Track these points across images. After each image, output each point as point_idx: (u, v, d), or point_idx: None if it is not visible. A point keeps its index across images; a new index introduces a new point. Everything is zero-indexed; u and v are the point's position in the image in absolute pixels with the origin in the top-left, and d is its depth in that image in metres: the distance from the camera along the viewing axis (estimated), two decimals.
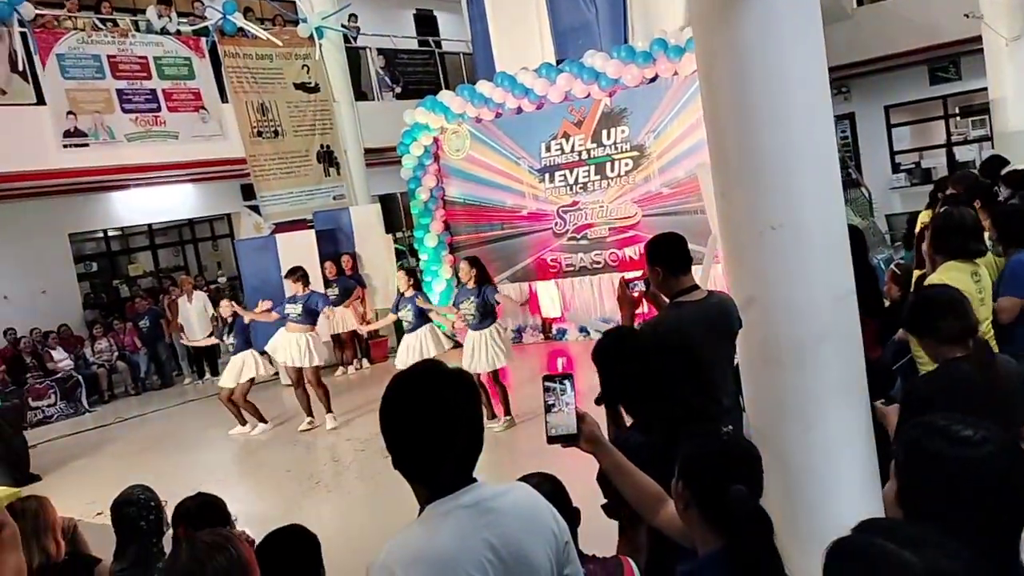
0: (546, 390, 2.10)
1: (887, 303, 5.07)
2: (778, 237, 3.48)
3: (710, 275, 8.57)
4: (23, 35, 10.68)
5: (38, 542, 3.34)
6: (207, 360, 13.15)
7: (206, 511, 2.96)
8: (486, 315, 7.78)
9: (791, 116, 3.45)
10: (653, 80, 10.41)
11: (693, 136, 10.03)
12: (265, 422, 9.37)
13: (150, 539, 3.33)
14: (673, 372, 2.66)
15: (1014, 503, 1.48)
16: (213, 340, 10.51)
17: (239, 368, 9.12)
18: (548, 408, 2.09)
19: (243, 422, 9.37)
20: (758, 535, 1.83)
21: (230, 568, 1.80)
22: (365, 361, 12.21)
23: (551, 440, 2.12)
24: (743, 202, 3.62)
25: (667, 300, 3.75)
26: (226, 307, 9.38)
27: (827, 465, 3.59)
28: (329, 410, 9.00)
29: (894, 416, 3.20)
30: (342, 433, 8.75)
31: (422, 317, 8.52)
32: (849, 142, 16.30)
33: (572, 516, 2.39)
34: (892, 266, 5.50)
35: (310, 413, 8.99)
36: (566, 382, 2.10)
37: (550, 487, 2.28)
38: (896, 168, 16.36)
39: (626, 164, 10.97)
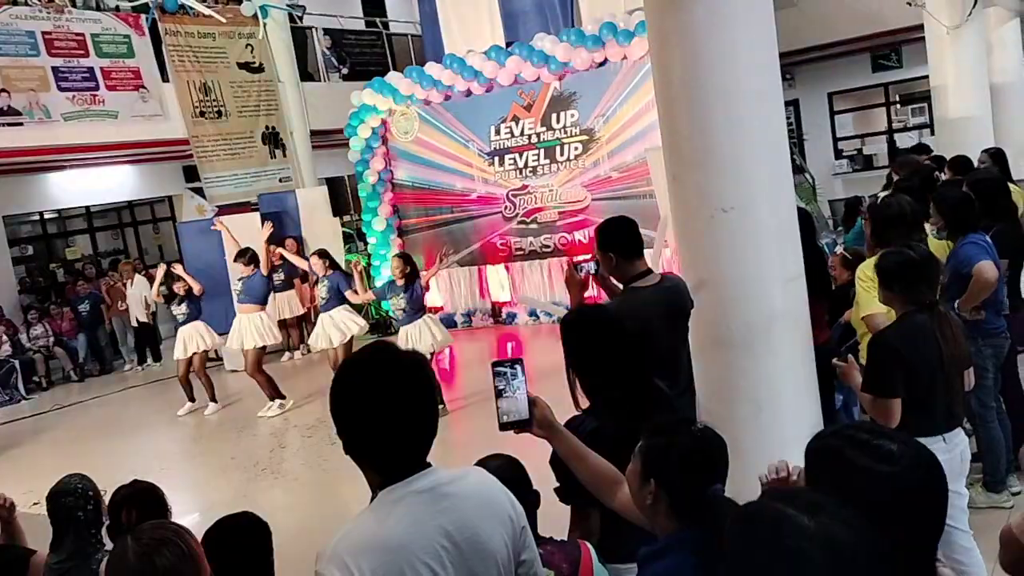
0: (496, 375, 2.05)
1: (834, 286, 5.14)
2: (729, 220, 3.51)
3: (660, 260, 8.61)
4: None
5: None
6: (149, 345, 12.85)
7: (142, 498, 2.87)
8: (416, 310, 7.84)
9: (742, 99, 3.47)
10: (602, 64, 10.40)
11: (642, 120, 10.06)
12: (215, 402, 9.30)
13: (88, 530, 3.22)
14: (630, 357, 2.63)
15: (931, 518, 1.51)
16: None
17: (190, 339, 9.05)
18: (499, 394, 2.05)
19: (192, 399, 9.32)
20: (724, 524, 1.82)
21: (180, 564, 1.73)
22: (313, 345, 12.04)
23: (503, 427, 2.07)
24: (695, 184, 3.64)
25: (618, 284, 3.73)
26: (180, 286, 9.22)
27: (779, 447, 3.62)
28: (278, 396, 8.87)
29: (856, 372, 3.25)
30: (288, 419, 8.63)
31: (417, 307, 8.12)
32: (793, 128, 16.55)
33: (533, 499, 2.37)
34: (842, 250, 5.57)
35: (276, 396, 8.86)
36: (516, 367, 2.06)
37: (511, 470, 2.25)
38: (839, 154, 16.66)
39: (575, 148, 10.97)
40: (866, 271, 3.82)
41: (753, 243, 3.55)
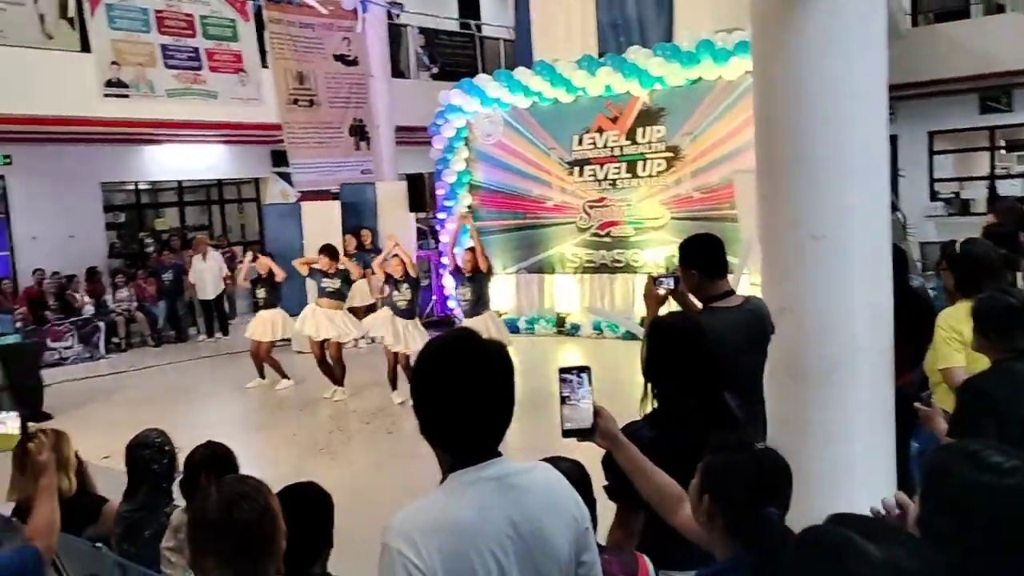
0: (562, 382, 2.05)
1: None
2: (819, 248, 3.46)
3: (739, 286, 8.50)
4: None
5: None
6: (219, 319, 13.21)
7: (218, 461, 2.97)
8: (480, 303, 7.98)
9: (847, 125, 3.42)
10: (696, 82, 10.34)
11: (732, 142, 9.96)
12: (288, 379, 9.49)
13: (160, 483, 3.35)
14: (707, 370, 2.61)
15: None
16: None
17: (272, 324, 9.27)
18: (563, 400, 2.05)
19: (263, 376, 9.55)
20: (783, 553, 1.80)
21: (259, 517, 1.79)
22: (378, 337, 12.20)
23: (566, 433, 2.07)
24: (787, 209, 3.60)
25: (697, 303, 3.69)
26: (262, 266, 9.46)
27: (846, 482, 3.56)
28: (340, 384, 9.02)
29: (939, 418, 3.13)
30: (348, 404, 8.77)
31: (482, 300, 8.30)
32: (889, 164, 16.11)
33: (592, 505, 2.37)
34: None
35: (338, 383, 9.00)
36: (583, 375, 2.05)
37: (577, 474, 2.25)
38: (934, 196, 16.09)
39: (659, 164, 10.91)
40: (948, 320, 3.68)
41: (842, 273, 3.49)
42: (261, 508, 1.81)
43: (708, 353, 2.63)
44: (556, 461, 2.04)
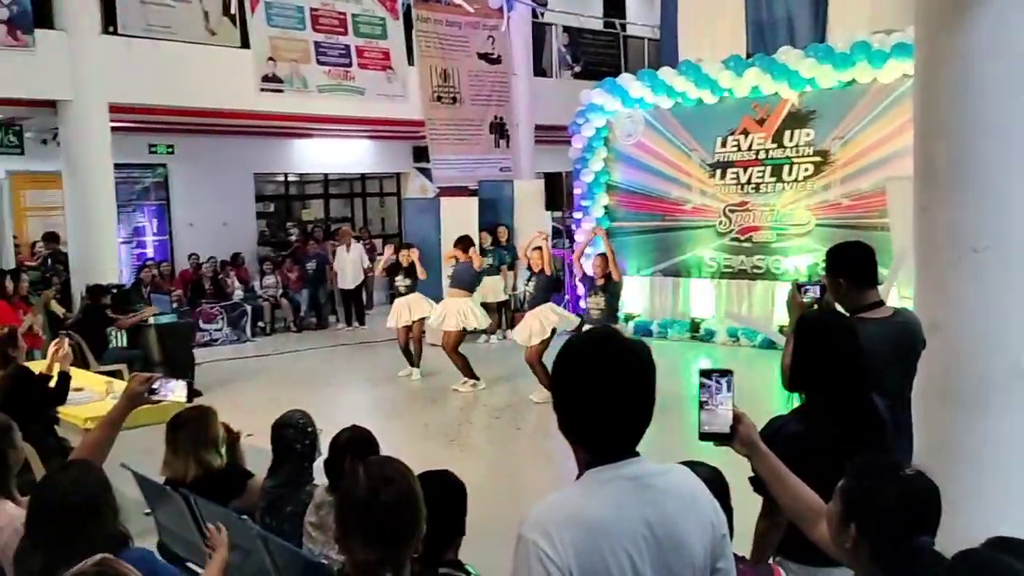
0: (701, 386, 2.02)
1: None
2: (980, 260, 3.26)
3: (889, 298, 8.10)
4: None
5: (196, 455, 3.57)
6: (356, 309, 13.67)
7: (360, 445, 3.07)
8: (611, 313, 8.02)
9: (1013, 132, 3.20)
10: (849, 84, 9.92)
11: (885, 147, 9.51)
12: (416, 366, 9.75)
13: (302, 462, 3.50)
14: (857, 368, 2.54)
15: None
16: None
17: (408, 306, 9.54)
18: (702, 405, 2.02)
19: (413, 364, 9.78)
20: None
21: (403, 499, 1.85)
22: (509, 332, 12.35)
23: (702, 437, 2.05)
24: (946, 219, 3.40)
25: (844, 313, 3.54)
26: (405, 256, 9.71)
27: (997, 513, 3.34)
28: (473, 376, 9.15)
29: None
30: (480, 398, 8.90)
31: (613, 310, 8.32)
32: None
33: (728, 513, 2.32)
34: None
35: (469, 375, 9.16)
36: (723, 380, 2.01)
37: (714, 479, 2.21)
38: None
39: (806, 169, 10.53)
40: None
41: (1002, 289, 3.27)
42: (406, 491, 1.87)
43: (858, 352, 2.57)
44: (694, 466, 2.01)
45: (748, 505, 2.53)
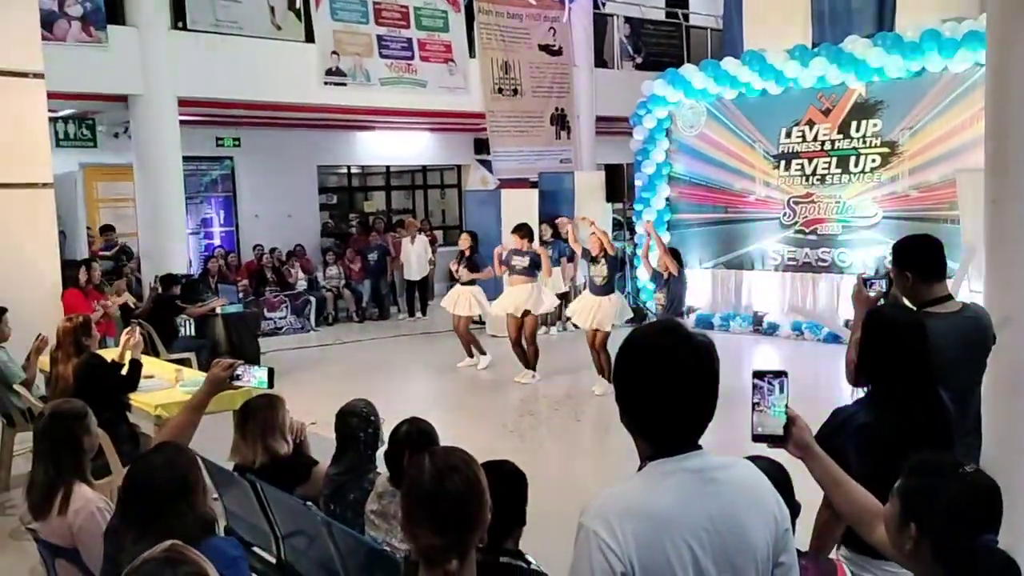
0: (754, 388, 2.00)
1: None
2: None
3: (959, 293, 7.90)
4: None
5: (264, 443, 3.67)
6: (420, 299, 13.81)
7: (420, 438, 3.11)
8: (674, 310, 7.92)
9: None
10: (918, 74, 9.66)
11: (955, 139, 9.25)
12: (484, 353, 9.79)
13: (366, 450, 3.56)
14: (924, 361, 2.52)
15: None
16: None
17: (469, 299, 9.60)
18: (754, 407, 2.00)
19: (471, 354, 9.85)
20: None
21: (468, 489, 1.88)
22: (570, 324, 12.34)
23: (756, 438, 2.03)
24: (1017, 212, 3.31)
25: (912, 308, 3.47)
26: (465, 240, 9.77)
27: None
28: (532, 368, 9.18)
29: None
30: (539, 389, 8.93)
31: (676, 306, 8.22)
32: None
33: (793, 508, 2.30)
34: None
35: (529, 367, 9.17)
36: (775, 382, 1.98)
37: (777, 474, 2.20)
38: None
39: (873, 160, 10.29)
40: None
41: None
42: (471, 480, 1.89)
43: (926, 349, 2.56)
44: (757, 460, 2.01)
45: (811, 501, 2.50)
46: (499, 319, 10.10)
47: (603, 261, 8.40)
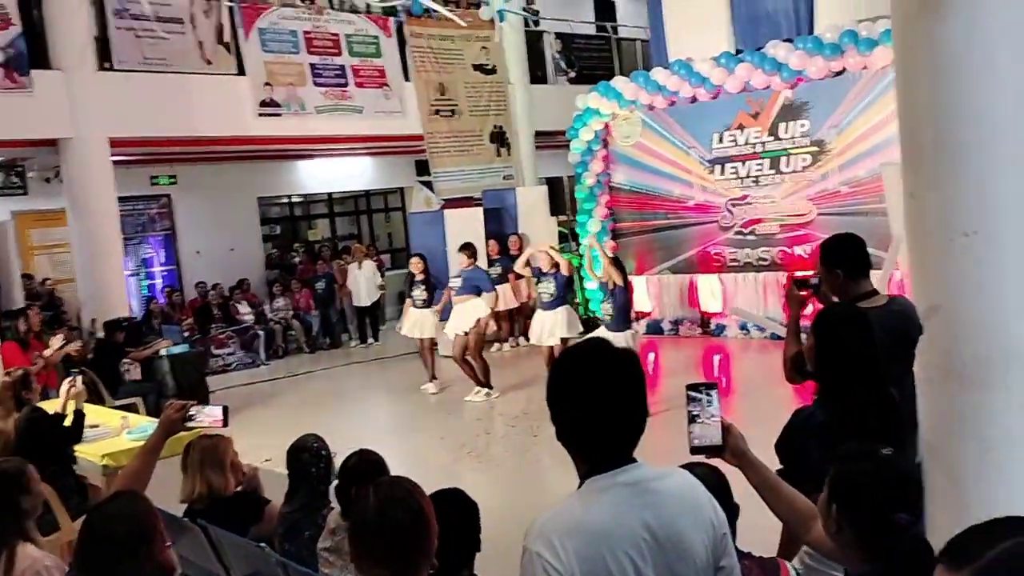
0: (689, 400, 2.06)
1: None
2: (970, 245, 3.28)
3: (889, 284, 8.13)
4: (231, 9, 11.47)
5: (202, 473, 3.65)
6: (371, 325, 13.74)
7: (369, 469, 3.11)
8: (623, 319, 7.90)
9: (996, 114, 3.23)
10: (840, 73, 9.95)
11: (879, 134, 9.53)
12: (435, 378, 9.78)
13: (319, 486, 3.55)
14: (874, 360, 2.60)
15: None
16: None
17: (422, 322, 9.61)
18: (692, 418, 2.06)
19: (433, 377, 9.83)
20: (919, 565, 1.76)
21: (413, 519, 1.90)
22: (522, 339, 12.39)
23: (694, 450, 2.09)
24: (934, 205, 3.43)
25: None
26: (416, 264, 9.78)
27: (1005, 490, 3.36)
28: (486, 385, 9.20)
29: None
30: (495, 407, 8.95)
31: (624, 315, 8.18)
32: None
33: (732, 511, 2.36)
34: None
35: (482, 384, 9.20)
36: (711, 392, 2.06)
37: (714, 479, 2.26)
38: None
39: (803, 159, 10.56)
40: None
41: (996, 272, 3.29)
42: (415, 510, 1.92)
43: (871, 342, 2.69)
44: (692, 467, 2.06)
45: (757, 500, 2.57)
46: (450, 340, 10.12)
47: (552, 278, 8.55)
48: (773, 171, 10.85)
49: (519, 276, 11.83)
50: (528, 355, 11.45)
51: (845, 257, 3.45)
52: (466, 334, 9.17)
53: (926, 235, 3.52)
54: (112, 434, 5.43)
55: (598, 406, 1.73)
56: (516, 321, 12.38)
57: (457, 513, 2.42)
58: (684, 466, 2.19)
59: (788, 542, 2.67)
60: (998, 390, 3.38)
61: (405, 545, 1.90)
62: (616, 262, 8.26)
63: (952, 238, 3.33)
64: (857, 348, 2.62)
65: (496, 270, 11.58)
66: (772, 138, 10.79)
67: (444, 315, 9.63)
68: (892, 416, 2.60)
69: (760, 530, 2.68)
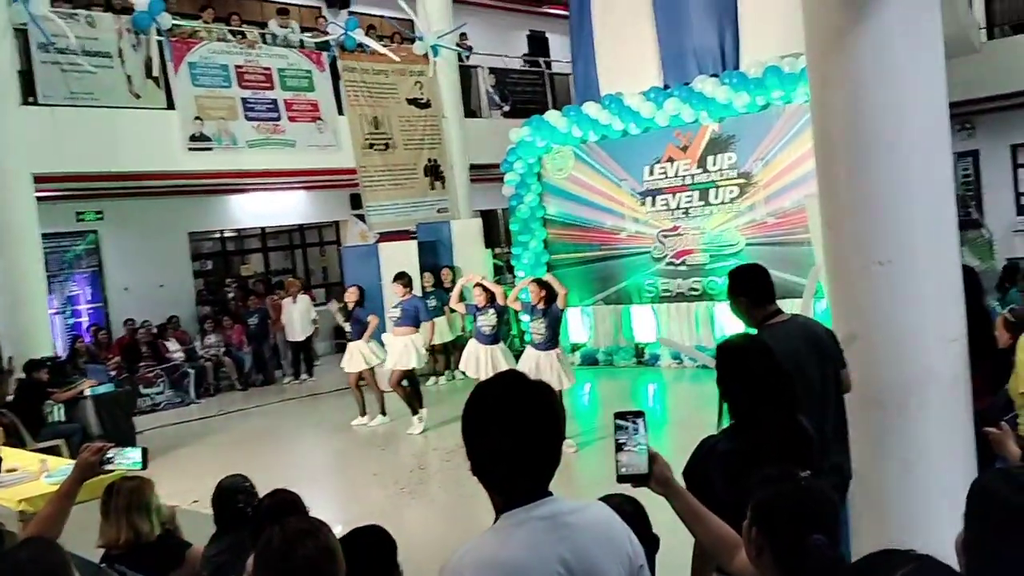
0: (617, 428, 2.07)
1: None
2: (885, 273, 3.41)
3: (809, 311, 8.34)
4: (159, 43, 11.31)
5: (127, 518, 3.54)
6: (305, 360, 13.55)
7: (284, 508, 3.05)
8: (552, 338, 8.00)
9: (906, 147, 3.38)
10: (764, 108, 10.26)
11: (803, 166, 9.84)
12: (384, 415, 9.70)
13: (247, 527, 3.46)
14: (778, 389, 2.65)
15: None
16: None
17: (354, 356, 9.59)
18: (619, 447, 2.06)
19: (363, 412, 9.78)
20: None
21: (318, 556, 1.87)
22: (458, 372, 12.35)
23: (621, 479, 2.09)
24: (850, 234, 3.56)
25: (752, 333, 3.69)
26: (352, 294, 9.76)
27: (925, 511, 3.47)
28: (419, 406, 9.26)
29: (1010, 442, 3.03)
30: (430, 441, 8.88)
31: (554, 334, 8.23)
32: (972, 180, 15.63)
33: (651, 542, 2.37)
34: (1005, 311, 5.22)
35: (413, 409, 9.26)
36: (639, 420, 2.07)
37: (632, 509, 2.27)
38: (1021, 210, 15.55)
39: (731, 191, 10.83)
40: None
41: (910, 299, 3.42)
42: (322, 546, 1.89)
43: (775, 370, 2.69)
44: (610, 498, 2.07)
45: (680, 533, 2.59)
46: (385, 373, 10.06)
47: (491, 311, 8.57)
48: (702, 202, 11.09)
49: (453, 310, 11.83)
50: (463, 388, 11.40)
51: (746, 286, 3.59)
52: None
53: (842, 263, 3.65)
54: (30, 478, 5.22)
55: (512, 440, 1.72)
56: (451, 354, 12.34)
57: (373, 550, 2.39)
58: (602, 498, 2.20)
59: (698, 570, 2.69)
60: (917, 414, 3.50)
61: None
62: (542, 282, 8.30)
63: (867, 266, 3.46)
64: (760, 375, 2.67)
65: (432, 302, 11.55)
66: (701, 170, 11.05)
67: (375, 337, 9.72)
68: (797, 440, 2.65)
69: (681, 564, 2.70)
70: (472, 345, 8.85)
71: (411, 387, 9.41)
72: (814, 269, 8.05)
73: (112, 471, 2.92)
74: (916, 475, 3.54)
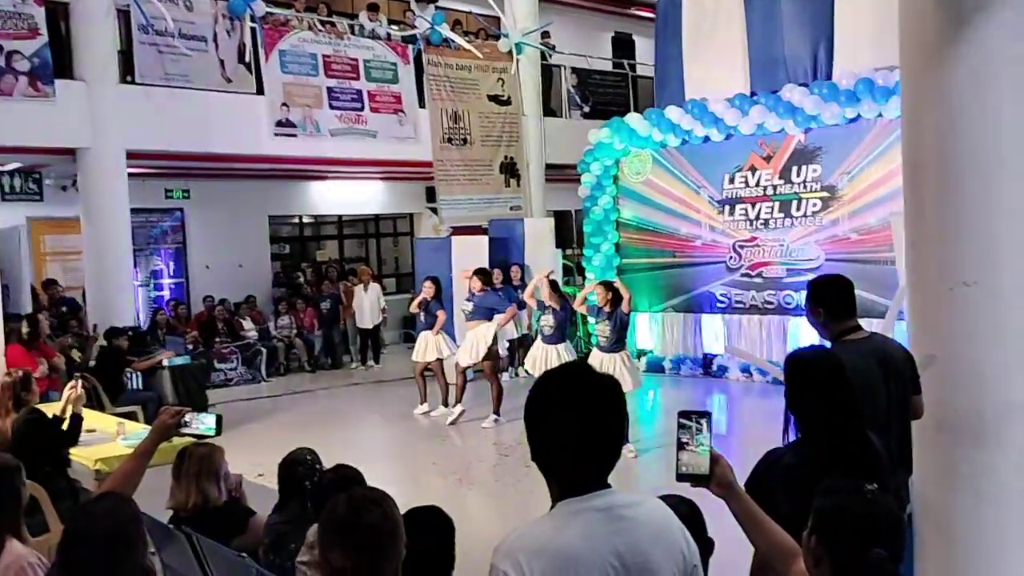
0: (681, 427, 2.07)
1: None
2: (970, 295, 3.29)
3: (891, 331, 8.11)
4: (253, 30, 11.63)
5: (198, 483, 3.66)
6: (372, 347, 13.75)
7: (345, 483, 3.11)
8: (618, 340, 7.95)
9: (1000, 169, 3.26)
10: (854, 120, 10.01)
11: (891, 183, 9.54)
12: (446, 406, 9.74)
13: (309, 498, 3.55)
14: (848, 406, 2.60)
15: None
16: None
17: (427, 344, 9.70)
18: (681, 446, 2.06)
19: (424, 400, 9.89)
20: None
21: (383, 524, 1.91)
22: (522, 370, 12.36)
23: (679, 478, 2.08)
24: (935, 254, 3.45)
25: (826, 346, 3.62)
26: (429, 288, 9.84)
27: (997, 545, 3.35)
28: (456, 401, 9.38)
29: None
30: (490, 436, 8.92)
31: (620, 337, 8.19)
32: None
33: (706, 545, 2.35)
34: None
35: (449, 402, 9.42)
36: (703, 421, 2.05)
37: (687, 511, 2.26)
38: None
39: (814, 204, 10.59)
40: None
41: (995, 323, 3.29)
42: (386, 513, 1.94)
43: (847, 387, 2.64)
44: (666, 498, 2.07)
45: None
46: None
47: (551, 311, 8.55)
48: (783, 214, 10.88)
49: (522, 306, 11.86)
50: (527, 385, 11.42)
51: (827, 297, 3.53)
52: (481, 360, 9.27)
53: (926, 284, 3.54)
54: (108, 439, 5.44)
55: (575, 429, 1.73)
56: (516, 352, 12.36)
57: (433, 528, 2.43)
58: (659, 497, 2.19)
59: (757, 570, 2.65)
60: (993, 443, 3.37)
61: (373, 543, 1.91)
62: (607, 284, 8.27)
63: (952, 287, 3.35)
64: (829, 388, 2.62)
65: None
66: (783, 181, 10.84)
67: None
68: (865, 457, 2.60)
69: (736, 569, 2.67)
70: (537, 344, 8.90)
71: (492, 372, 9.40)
72: (900, 289, 7.82)
73: (188, 435, 3.02)
74: (990, 510, 3.41)
